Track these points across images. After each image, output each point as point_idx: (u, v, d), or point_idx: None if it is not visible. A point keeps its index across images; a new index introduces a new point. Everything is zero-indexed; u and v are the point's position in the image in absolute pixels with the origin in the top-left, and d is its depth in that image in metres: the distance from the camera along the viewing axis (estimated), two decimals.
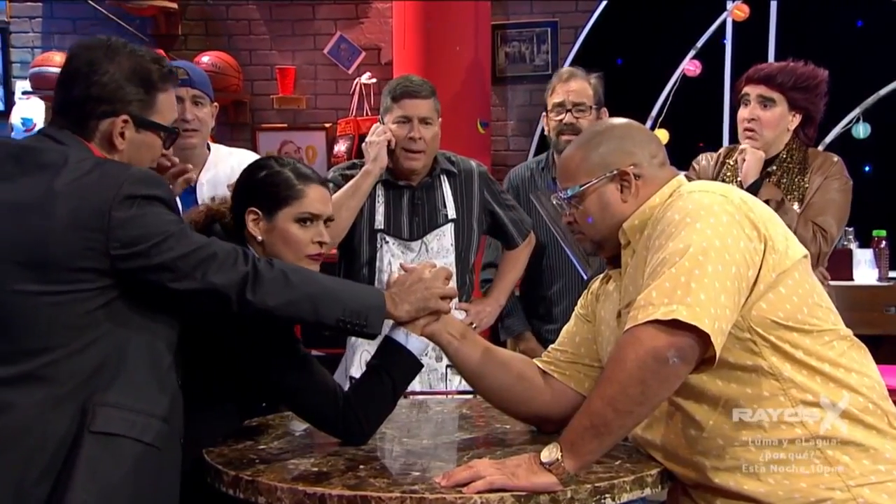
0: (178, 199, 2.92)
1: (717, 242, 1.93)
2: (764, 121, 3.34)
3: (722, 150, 3.53)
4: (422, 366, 2.36)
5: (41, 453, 1.94)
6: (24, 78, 6.07)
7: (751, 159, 3.31)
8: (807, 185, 3.33)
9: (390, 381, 2.29)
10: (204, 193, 3.10)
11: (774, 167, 3.37)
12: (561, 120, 3.72)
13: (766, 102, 3.34)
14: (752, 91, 3.36)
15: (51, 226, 1.97)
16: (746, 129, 3.37)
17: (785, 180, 3.35)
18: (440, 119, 3.37)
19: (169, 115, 2.21)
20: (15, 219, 1.99)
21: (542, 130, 4.23)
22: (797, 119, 3.37)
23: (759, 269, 1.97)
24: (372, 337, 2.24)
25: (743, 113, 3.39)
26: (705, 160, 3.52)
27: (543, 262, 3.79)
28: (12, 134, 5.79)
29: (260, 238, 2.41)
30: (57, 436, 1.95)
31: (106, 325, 2.00)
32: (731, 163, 3.43)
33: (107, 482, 1.95)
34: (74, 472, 1.93)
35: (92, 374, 1.98)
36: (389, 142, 3.28)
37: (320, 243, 2.44)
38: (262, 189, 2.43)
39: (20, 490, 1.93)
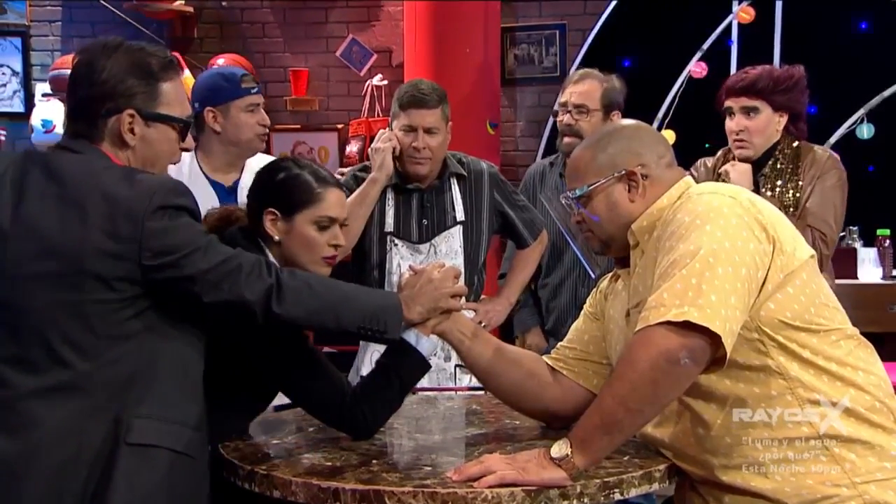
0: (217, 201, 2.95)
1: (726, 244, 1.94)
2: (752, 129, 3.34)
3: (720, 154, 3.50)
4: (430, 366, 2.37)
5: (76, 464, 1.95)
6: (44, 80, 6.11)
7: (736, 177, 3.28)
8: (801, 186, 3.30)
9: (398, 381, 2.31)
10: (243, 197, 3.15)
11: (767, 170, 3.35)
12: (562, 120, 3.74)
13: (750, 112, 3.34)
14: (734, 104, 3.36)
15: (85, 235, 1.97)
16: (736, 141, 3.37)
17: (780, 182, 3.32)
18: (450, 123, 3.35)
19: (178, 106, 2.15)
20: (50, 230, 1.99)
21: (551, 131, 4.26)
22: (784, 119, 3.36)
23: (768, 270, 1.98)
24: (390, 342, 2.26)
25: (730, 125, 3.38)
26: (704, 167, 3.51)
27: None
28: (32, 135, 5.85)
29: (277, 238, 2.39)
30: (92, 447, 1.96)
31: (138, 336, 2.01)
32: (721, 173, 3.39)
33: (145, 492, 1.96)
34: (112, 484, 1.94)
35: (125, 384, 1.99)
36: (395, 148, 3.28)
37: (335, 246, 2.43)
38: (281, 190, 2.42)
39: (57, 502, 1.94)
